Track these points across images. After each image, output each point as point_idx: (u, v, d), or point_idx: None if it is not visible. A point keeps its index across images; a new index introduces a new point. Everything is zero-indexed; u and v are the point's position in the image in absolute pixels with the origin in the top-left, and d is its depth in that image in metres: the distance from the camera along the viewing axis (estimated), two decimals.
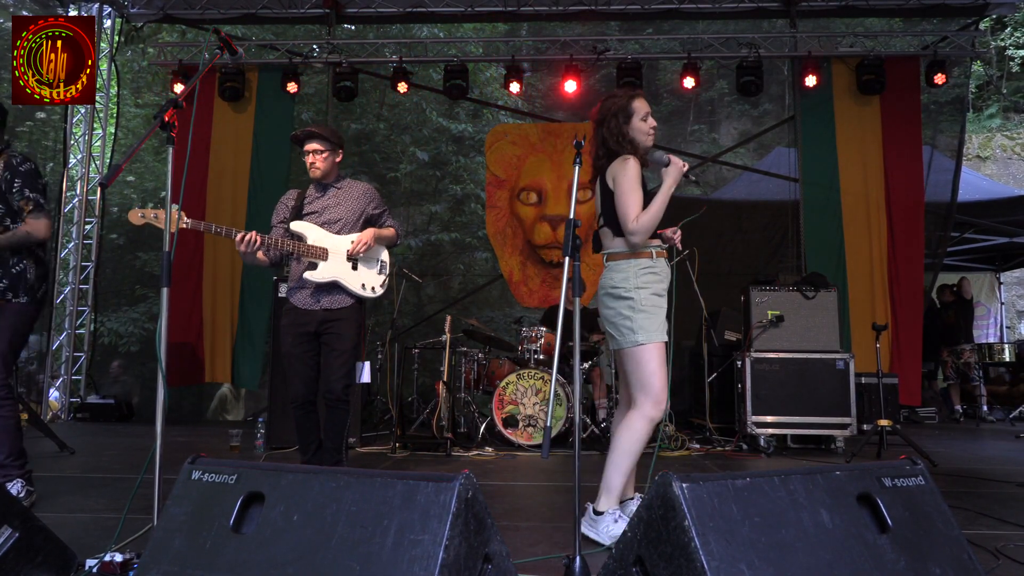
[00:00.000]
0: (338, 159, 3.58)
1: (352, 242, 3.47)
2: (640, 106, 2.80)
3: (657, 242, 2.74)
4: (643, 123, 2.78)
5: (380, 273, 3.61)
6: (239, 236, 3.19)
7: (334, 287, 3.45)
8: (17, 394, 3.31)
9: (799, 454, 5.39)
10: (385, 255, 3.67)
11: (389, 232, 3.64)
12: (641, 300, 2.66)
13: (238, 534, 1.57)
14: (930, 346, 8.81)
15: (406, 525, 1.46)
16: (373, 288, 3.57)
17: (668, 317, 2.73)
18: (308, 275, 3.38)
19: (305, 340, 3.44)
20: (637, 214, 2.61)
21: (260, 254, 3.39)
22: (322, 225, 3.48)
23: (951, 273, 10.06)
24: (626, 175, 2.68)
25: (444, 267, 9.62)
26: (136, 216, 2.98)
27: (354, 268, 3.50)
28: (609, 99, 2.87)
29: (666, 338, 2.69)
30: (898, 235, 7.31)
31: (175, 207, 2.96)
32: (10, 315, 3.20)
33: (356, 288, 3.48)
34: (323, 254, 3.42)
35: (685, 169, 2.70)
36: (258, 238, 3.22)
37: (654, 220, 2.61)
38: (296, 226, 3.43)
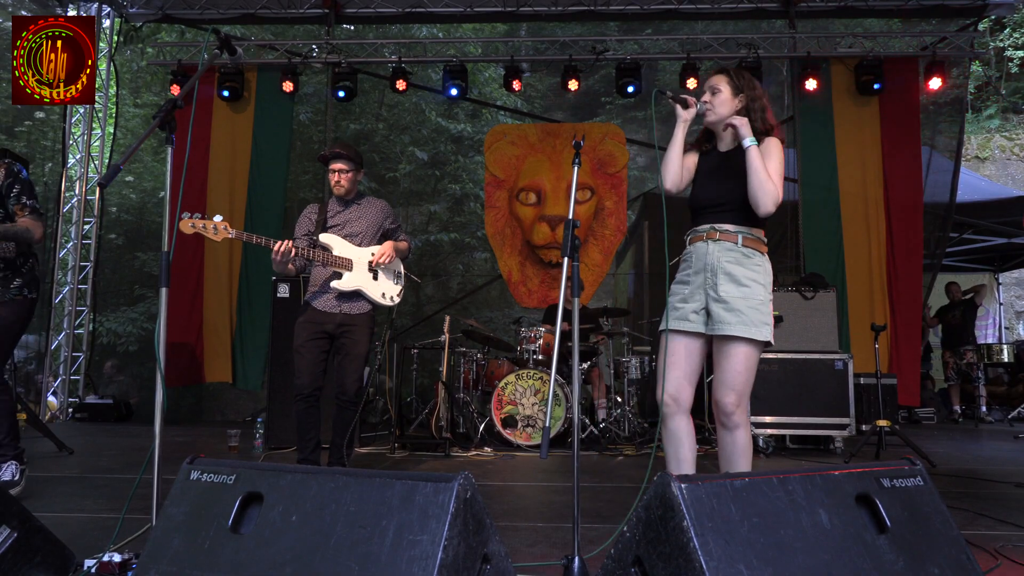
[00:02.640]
0: (359, 177, 3.86)
1: (373, 253, 3.75)
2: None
3: (695, 228, 2.61)
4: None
5: (397, 283, 3.91)
6: (276, 245, 3.42)
7: (356, 295, 3.71)
8: (7, 383, 3.47)
9: (798, 454, 5.39)
10: (401, 267, 3.96)
11: (403, 245, 3.94)
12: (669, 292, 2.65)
13: (237, 534, 1.56)
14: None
15: (405, 525, 1.46)
16: (392, 297, 3.86)
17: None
18: (335, 284, 3.63)
19: (320, 337, 3.67)
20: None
21: (290, 265, 3.62)
22: (345, 237, 3.75)
23: (950, 274, 10.07)
24: None
25: (443, 267, 9.62)
26: (187, 226, 3.15)
27: (375, 278, 3.77)
28: None
29: (673, 325, 2.54)
30: (897, 236, 7.31)
31: (219, 217, 3.20)
32: (22, 309, 3.42)
33: (377, 297, 3.76)
34: (348, 264, 3.68)
35: (687, 117, 2.59)
36: (292, 247, 3.46)
37: (664, 167, 2.57)
38: (323, 238, 3.69)
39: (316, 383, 3.63)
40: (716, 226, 2.53)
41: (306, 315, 3.70)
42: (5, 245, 3.36)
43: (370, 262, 3.72)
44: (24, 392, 7.89)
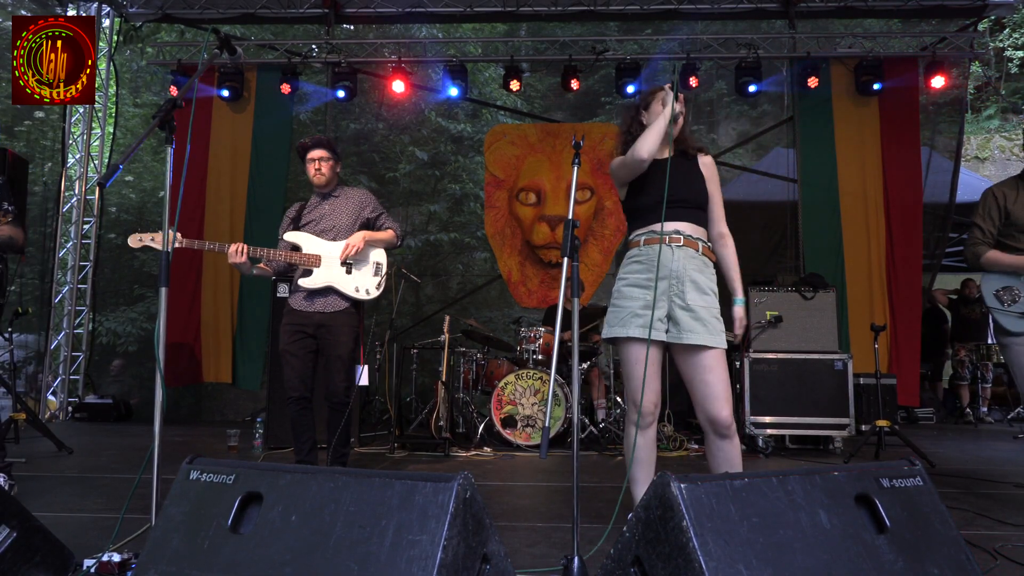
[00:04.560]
0: (338, 169, 3.76)
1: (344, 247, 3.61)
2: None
3: (652, 228, 2.53)
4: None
5: (376, 275, 3.70)
6: (231, 248, 3.34)
7: (329, 291, 3.59)
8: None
9: (797, 454, 5.39)
10: (381, 256, 3.74)
11: (385, 235, 3.72)
12: (614, 293, 2.59)
13: (236, 534, 1.57)
14: (937, 345, 8.71)
15: (404, 525, 1.46)
16: (368, 290, 3.67)
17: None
18: (303, 282, 3.56)
19: (302, 338, 3.59)
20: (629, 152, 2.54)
21: (262, 265, 3.57)
22: (318, 233, 3.64)
23: (950, 274, 10.05)
24: (611, 170, 2.69)
25: (443, 267, 9.60)
26: (135, 240, 3.20)
27: (348, 272, 3.63)
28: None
29: (635, 333, 2.46)
30: (896, 236, 7.32)
31: (170, 230, 3.14)
32: None
33: (350, 291, 3.61)
34: (316, 261, 3.56)
35: (679, 109, 2.54)
36: (245, 248, 3.36)
37: (646, 136, 2.46)
38: (291, 236, 3.61)
39: (305, 384, 3.57)
40: (680, 230, 2.53)
41: (287, 317, 3.64)
42: None
43: (340, 256, 3.59)
44: (24, 391, 7.87)
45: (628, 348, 2.52)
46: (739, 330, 2.61)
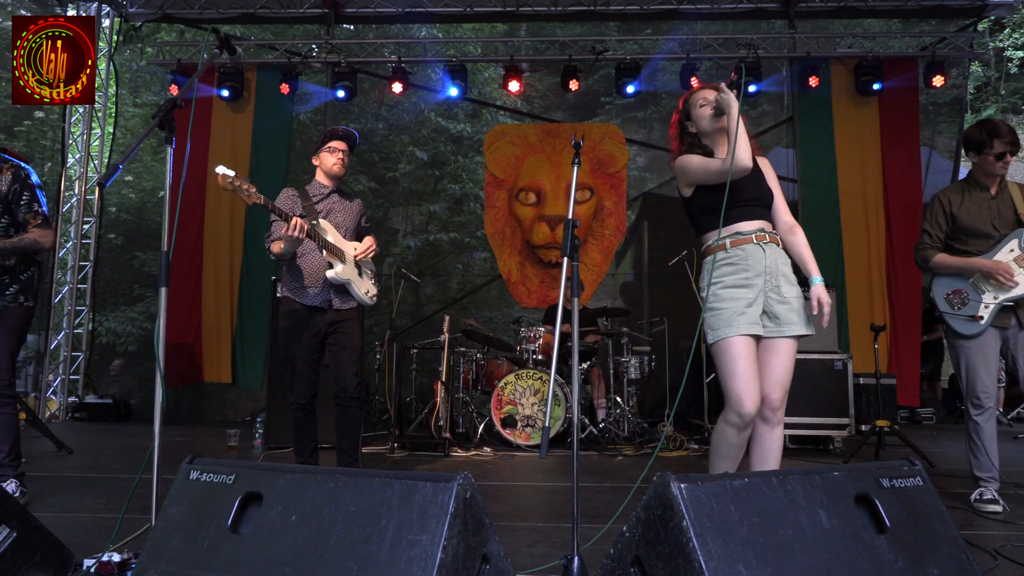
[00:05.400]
0: None
1: (356, 248, 3.66)
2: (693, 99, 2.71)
3: (736, 229, 2.54)
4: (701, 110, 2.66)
5: (375, 283, 3.83)
6: (293, 221, 3.25)
7: (344, 289, 3.60)
8: (16, 393, 3.38)
9: (797, 454, 5.39)
10: (374, 267, 3.88)
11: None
12: (710, 298, 2.55)
13: (236, 534, 1.57)
14: (937, 345, 8.70)
15: (404, 525, 1.46)
16: (372, 296, 3.77)
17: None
18: (331, 274, 3.48)
19: (313, 344, 3.55)
20: (723, 160, 2.48)
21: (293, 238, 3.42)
22: (334, 227, 3.64)
23: None
24: (683, 168, 2.63)
25: (442, 267, 9.61)
26: (225, 181, 2.98)
27: (360, 275, 3.67)
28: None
29: (745, 330, 2.44)
30: (896, 236, 7.32)
31: (249, 180, 3.05)
32: (18, 317, 3.34)
33: (361, 293, 3.65)
34: (341, 255, 3.56)
35: (726, 90, 2.50)
36: (306, 225, 3.30)
37: (744, 143, 2.42)
38: (324, 223, 3.55)
39: (313, 390, 3.54)
40: (763, 228, 2.59)
41: (294, 318, 3.54)
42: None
43: (355, 255, 3.62)
44: (24, 391, 7.88)
45: (733, 347, 2.48)
46: (826, 308, 2.57)
